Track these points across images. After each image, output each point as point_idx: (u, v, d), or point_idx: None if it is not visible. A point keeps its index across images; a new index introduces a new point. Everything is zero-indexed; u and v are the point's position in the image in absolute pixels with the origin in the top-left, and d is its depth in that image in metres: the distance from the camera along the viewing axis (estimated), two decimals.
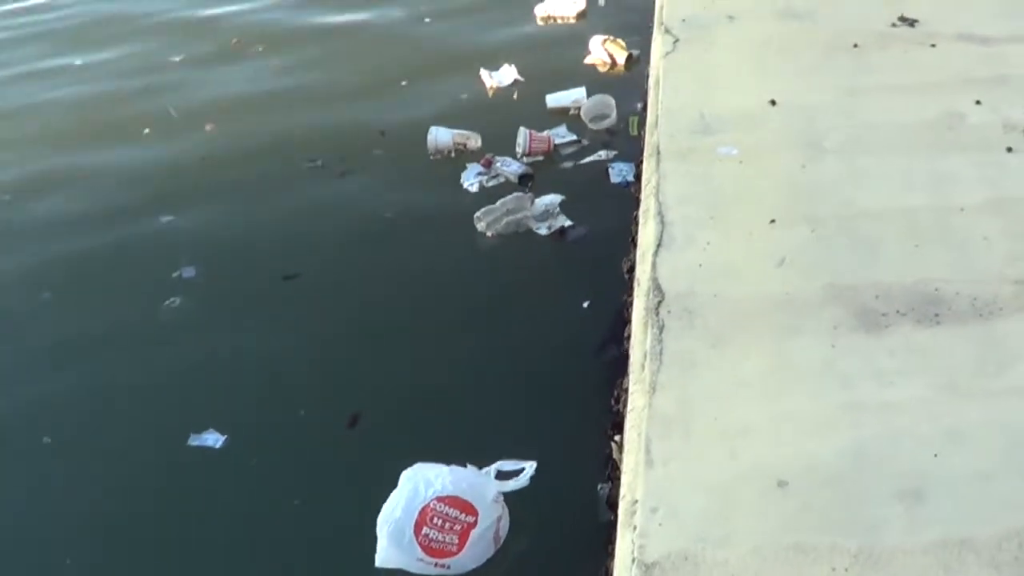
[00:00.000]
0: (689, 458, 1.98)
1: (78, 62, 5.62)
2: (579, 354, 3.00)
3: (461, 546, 2.28)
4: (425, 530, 2.26)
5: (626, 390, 2.44)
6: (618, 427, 2.46)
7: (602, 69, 4.85)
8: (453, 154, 4.13)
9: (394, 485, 2.36)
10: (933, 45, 3.51)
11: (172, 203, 4.01)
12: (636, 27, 4.92)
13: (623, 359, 2.67)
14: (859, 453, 1.94)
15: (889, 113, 3.12)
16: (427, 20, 5.64)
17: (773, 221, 2.66)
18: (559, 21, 5.47)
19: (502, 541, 2.37)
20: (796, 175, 2.86)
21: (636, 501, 1.92)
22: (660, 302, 2.40)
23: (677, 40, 3.71)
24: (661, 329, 2.31)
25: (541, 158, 4.06)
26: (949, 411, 2.03)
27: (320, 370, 3.04)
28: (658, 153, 3.02)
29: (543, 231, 3.59)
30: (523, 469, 2.45)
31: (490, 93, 4.72)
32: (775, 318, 2.32)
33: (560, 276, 3.39)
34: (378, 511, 2.31)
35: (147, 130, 4.68)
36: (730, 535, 1.81)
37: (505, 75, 4.77)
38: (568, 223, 3.61)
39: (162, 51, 5.58)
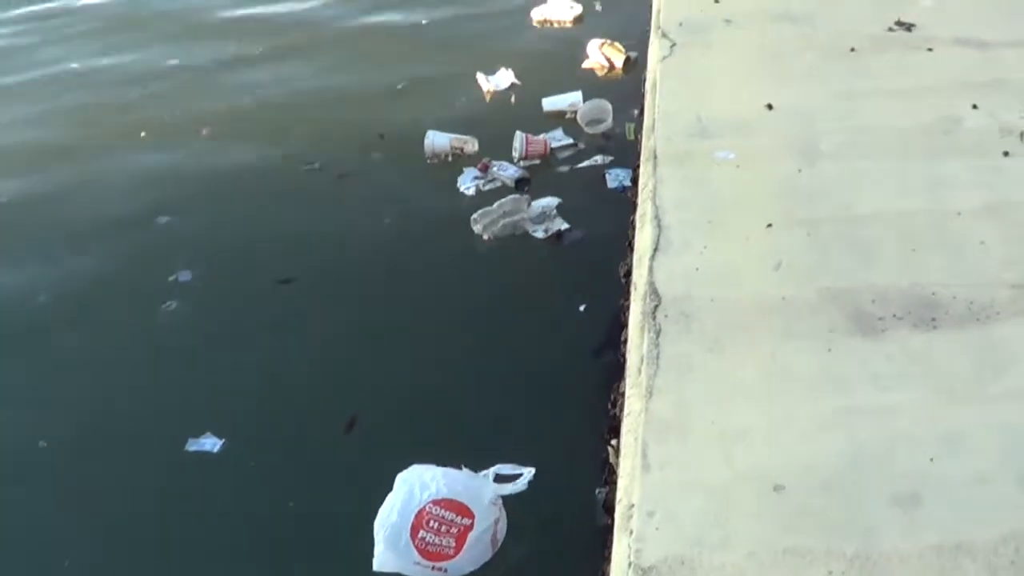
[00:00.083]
0: (686, 462, 1.98)
1: (74, 66, 5.62)
2: (576, 357, 3.00)
3: (458, 549, 2.27)
4: (421, 533, 2.25)
5: (623, 394, 2.44)
6: (615, 431, 2.45)
7: (600, 73, 4.86)
8: (450, 158, 4.13)
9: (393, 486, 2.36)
10: (930, 49, 3.53)
11: (169, 207, 4.00)
12: (632, 32, 4.93)
13: (620, 363, 2.67)
14: (856, 457, 1.95)
15: (886, 117, 3.13)
16: (425, 24, 5.65)
17: (770, 225, 2.66)
18: (556, 25, 5.48)
19: (500, 544, 2.37)
20: (793, 179, 2.86)
21: (633, 505, 1.92)
22: (657, 306, 2.40)
23: (674, 44, 3.72)
24: (658, 333, 2.32)
25: (537, 162, 4.05)
26: (946, 415, 2.03)
27: (319, 372, 3.04)
28: (655, 157, 3.02)
29: (540, 234, 3.58)
30: (521, 475, 2.45)
31: (487, 97, 4.72)
32: (772, 322, 2.33)
33: (557, 279, 3.39)
34: (377, 512, 2.30)
35: (143, 133, 4.67)
36: (727, 539, 1.81)
37: (502, 79, 4.78)
38: (565, 226, 3.60)
39: (158, 55, 5.57)
